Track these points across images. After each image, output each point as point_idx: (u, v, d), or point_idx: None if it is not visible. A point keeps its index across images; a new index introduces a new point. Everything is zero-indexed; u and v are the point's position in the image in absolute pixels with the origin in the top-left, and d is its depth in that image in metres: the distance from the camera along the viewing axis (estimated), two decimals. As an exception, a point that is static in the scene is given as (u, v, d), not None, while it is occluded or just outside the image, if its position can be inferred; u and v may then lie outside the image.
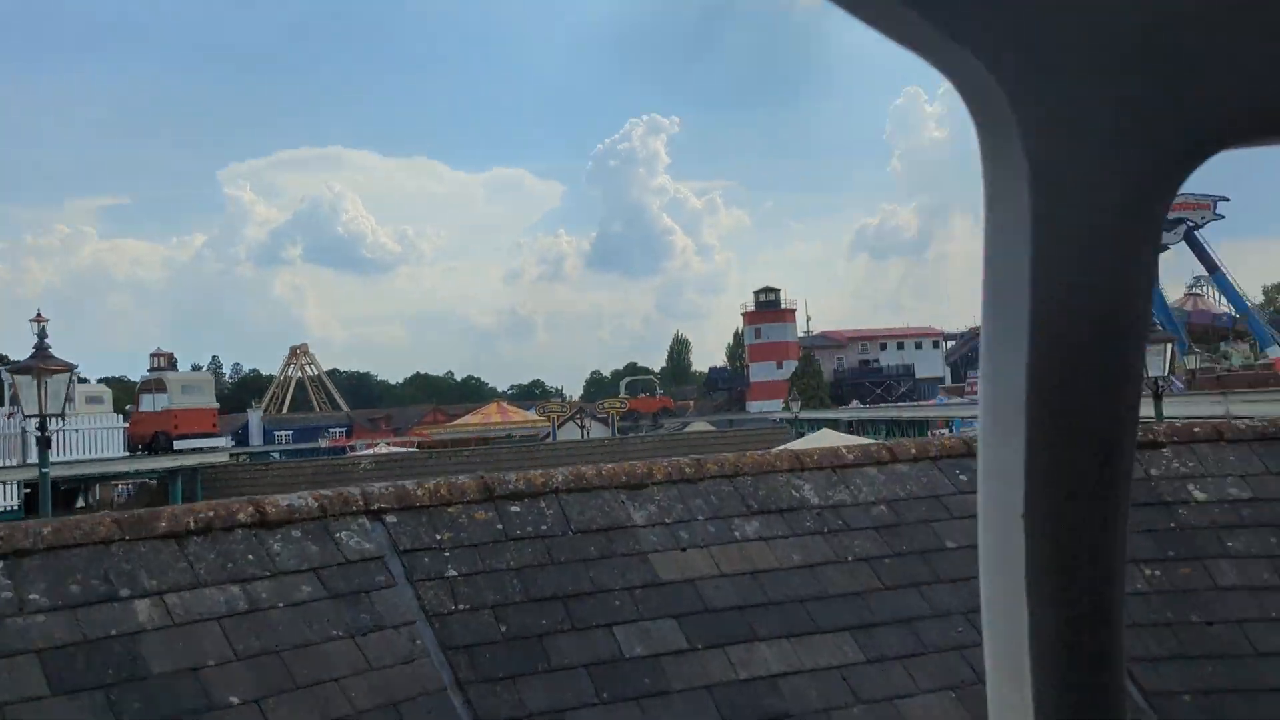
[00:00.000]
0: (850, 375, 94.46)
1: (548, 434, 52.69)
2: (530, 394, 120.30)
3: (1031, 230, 0.57)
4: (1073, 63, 0.54)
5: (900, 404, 71.68)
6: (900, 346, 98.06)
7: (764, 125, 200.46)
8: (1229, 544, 4.87)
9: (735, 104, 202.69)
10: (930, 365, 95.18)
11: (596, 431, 50.92)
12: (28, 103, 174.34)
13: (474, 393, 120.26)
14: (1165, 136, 0.56)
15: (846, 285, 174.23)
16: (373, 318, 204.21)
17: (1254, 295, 77.30)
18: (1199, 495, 5.10)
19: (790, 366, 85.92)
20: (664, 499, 4.71)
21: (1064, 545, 0.61)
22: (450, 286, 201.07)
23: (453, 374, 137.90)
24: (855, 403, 78.90)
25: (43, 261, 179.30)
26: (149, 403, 33.31)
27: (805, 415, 53.81)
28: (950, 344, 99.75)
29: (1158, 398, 13.79)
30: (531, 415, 64.84)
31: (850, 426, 48.86)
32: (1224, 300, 74.74)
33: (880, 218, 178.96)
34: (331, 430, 79.84)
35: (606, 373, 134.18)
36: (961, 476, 5.19)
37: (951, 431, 40.77)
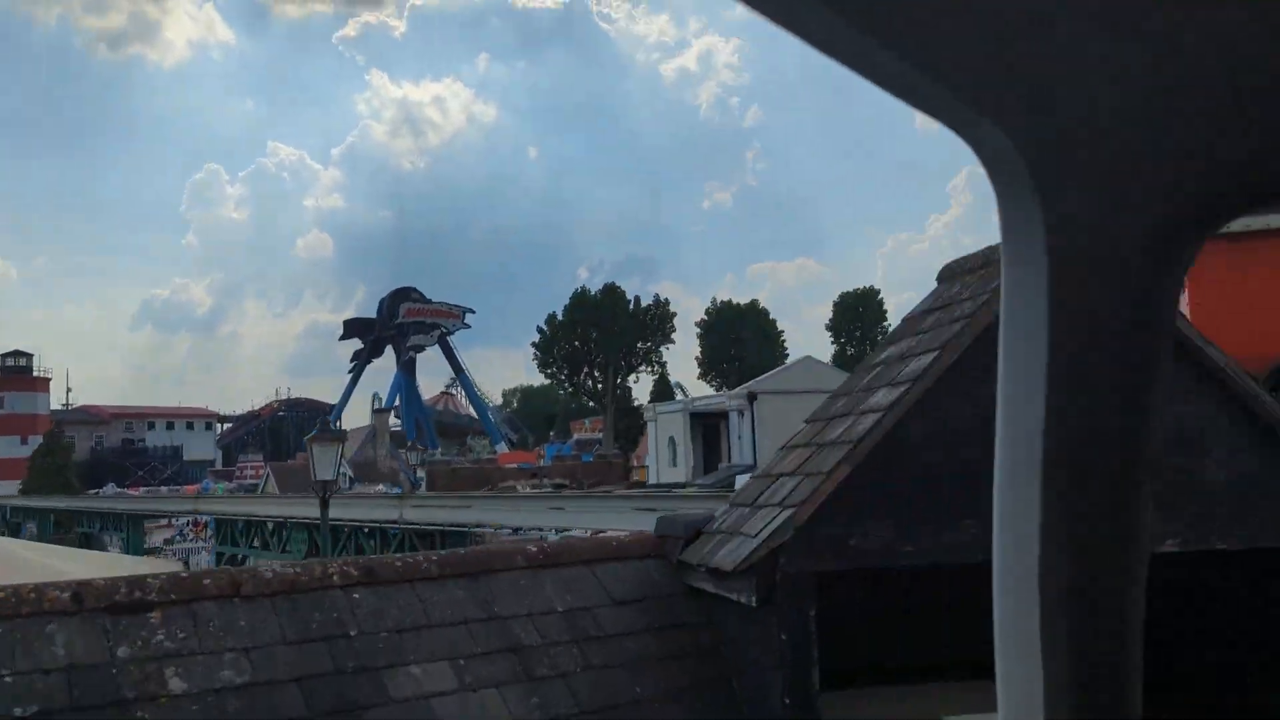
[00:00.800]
0: (111, 455, 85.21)
1: None
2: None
3: (1049, 294, 0.57)
4: (1091, 130, 0.54)
5: (163, 487, 66.36)
6: (170, 426, 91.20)
7: (43, 173, 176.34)
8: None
9: (9, 144, 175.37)
10: (202, 447, 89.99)
11: None
12: None
13: None
14: (1181, 205, 0.56)
15: (129, 357, 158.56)
16: None
17: (496, 397, 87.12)
18: (177, 686, 3.66)
19: (37, 442, 74.56)
20: None
21: (1078, 604, 0.61)
22: None
23: None
24: (112, 485, 71.06)
25: None
26: None
27: (19, 503, 46.38)
28: (226, 425, 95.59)
29: (325, 504, 12.95)
30: None
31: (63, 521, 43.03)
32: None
33: (171, 290, 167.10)
34: None
35: None
36: None
37: (187, 530, 36.13)
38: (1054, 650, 0.61)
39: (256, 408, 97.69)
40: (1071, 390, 0.58)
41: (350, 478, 48.13)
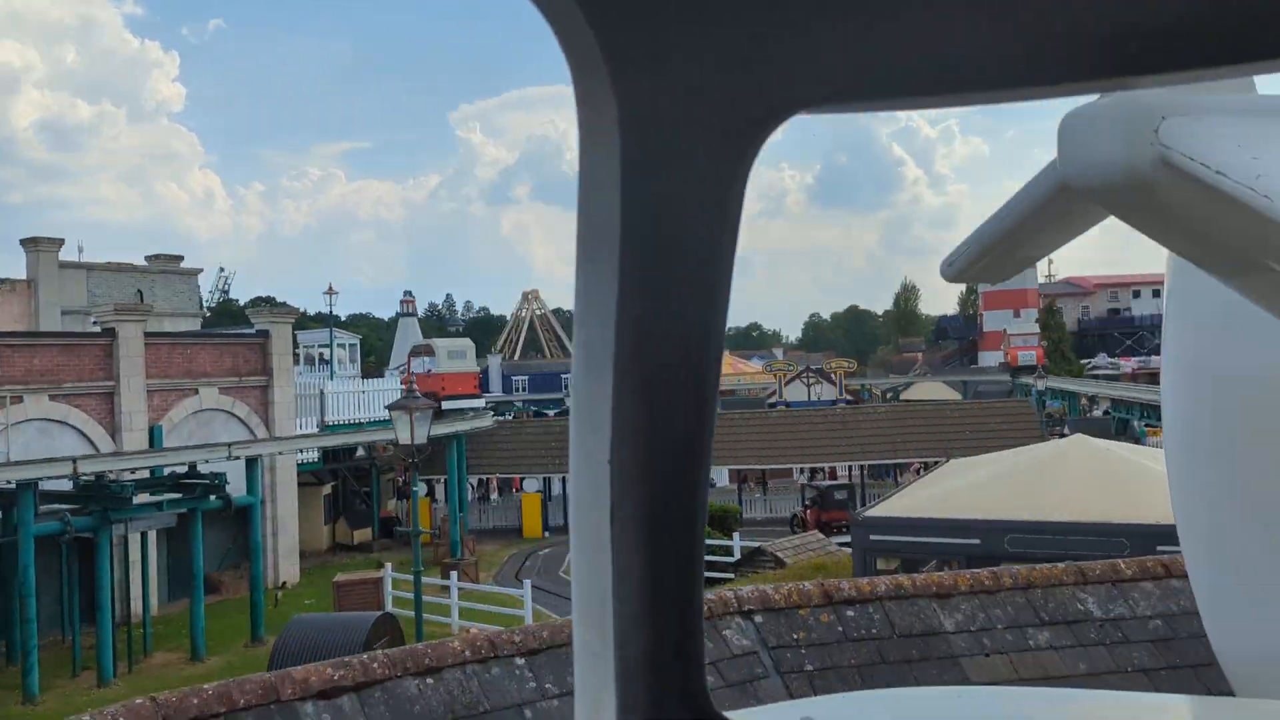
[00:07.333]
0: (1096, 325, 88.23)
1: (774, 391, 52.62)
2: (748, 338, 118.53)
3: (621, 175, 0.55)
4: (664, 9, 0.52)
5: (1153, 357, 66.92)
6: (1156, 294, 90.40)
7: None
8: None
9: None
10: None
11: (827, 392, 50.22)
12: (273, 56, 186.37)
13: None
14: (748, 93, 0.55)
15: (1098, 224, 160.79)
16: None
17: None
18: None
19: (1029, 315, 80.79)
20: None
21: (647, 491, 0.60)
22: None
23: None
24: (1102, 355, 73.86)
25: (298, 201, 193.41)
26: (419, 366, 37.83)
27: (1053, 383, 50.80)
28: None
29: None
30: (754, 367, 65.07)
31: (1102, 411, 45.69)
32: None
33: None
34: (565, 377, 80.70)
35: (826, 315, 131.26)
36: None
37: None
38: (622, 543, 0.61)
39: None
40: (642, 282, 0.57)
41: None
